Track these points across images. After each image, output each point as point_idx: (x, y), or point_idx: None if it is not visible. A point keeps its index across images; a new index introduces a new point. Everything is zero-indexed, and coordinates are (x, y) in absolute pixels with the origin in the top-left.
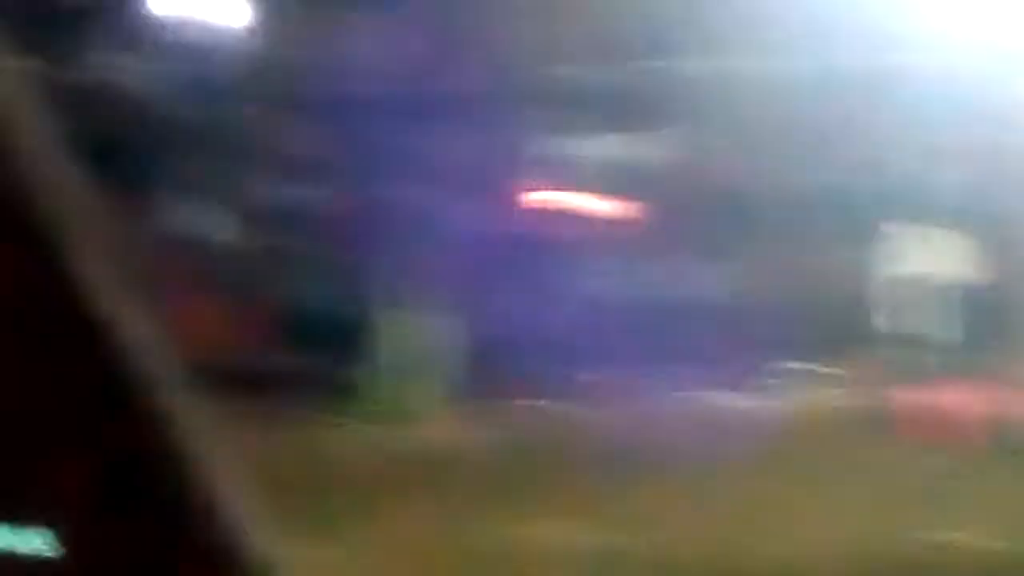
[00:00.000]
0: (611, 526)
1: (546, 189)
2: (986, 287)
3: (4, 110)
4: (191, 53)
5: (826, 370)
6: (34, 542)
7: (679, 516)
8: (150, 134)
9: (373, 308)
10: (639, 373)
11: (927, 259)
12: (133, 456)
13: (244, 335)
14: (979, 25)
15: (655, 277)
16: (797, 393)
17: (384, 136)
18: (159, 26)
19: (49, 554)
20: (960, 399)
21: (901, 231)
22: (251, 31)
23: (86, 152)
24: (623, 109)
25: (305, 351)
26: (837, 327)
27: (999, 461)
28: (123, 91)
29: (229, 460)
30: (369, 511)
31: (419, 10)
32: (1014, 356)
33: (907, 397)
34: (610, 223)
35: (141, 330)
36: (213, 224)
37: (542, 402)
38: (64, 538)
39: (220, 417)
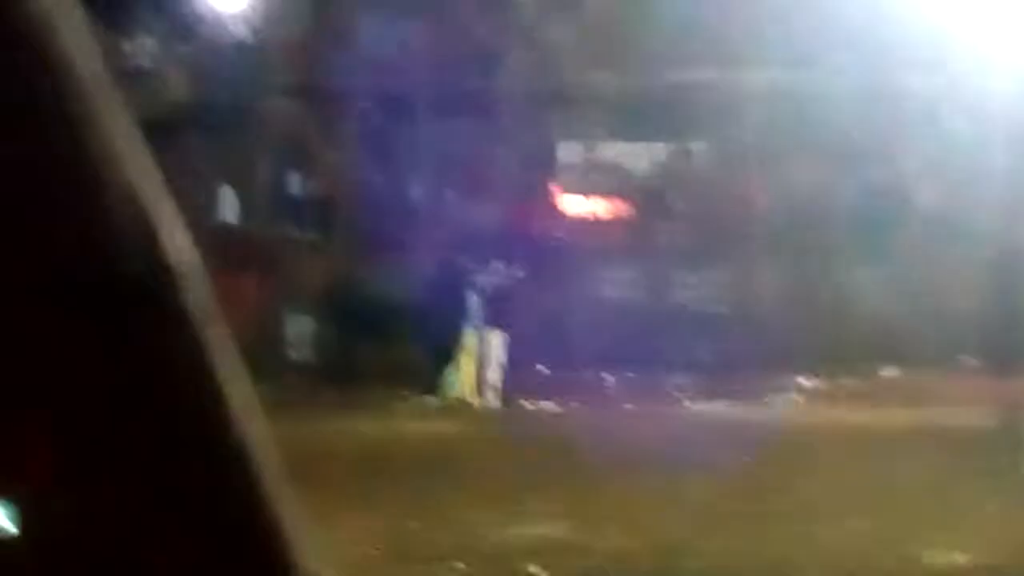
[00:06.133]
0: (588, 523)
1: (565, 193)
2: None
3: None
4: (210, 41)
5: (834, 386)
6: None
7: (666, 519)
8: (173, 119)
9: (400, 301)
10: (647, 379)
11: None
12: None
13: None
14: (1015, 49)
15: (666, 285)
16: (803, 407)
17: (405, 134)
18: (178, 13)
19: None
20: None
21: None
22: (269, 21)
23: None
24: (644, 118)
25: (340, 338)
26: (847, 344)
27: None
28: (148, 75)
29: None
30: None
31: (447, 10)
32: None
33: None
34: (624, 230)
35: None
36: (236, 210)
37: (549, 403)
38: (24, 513)
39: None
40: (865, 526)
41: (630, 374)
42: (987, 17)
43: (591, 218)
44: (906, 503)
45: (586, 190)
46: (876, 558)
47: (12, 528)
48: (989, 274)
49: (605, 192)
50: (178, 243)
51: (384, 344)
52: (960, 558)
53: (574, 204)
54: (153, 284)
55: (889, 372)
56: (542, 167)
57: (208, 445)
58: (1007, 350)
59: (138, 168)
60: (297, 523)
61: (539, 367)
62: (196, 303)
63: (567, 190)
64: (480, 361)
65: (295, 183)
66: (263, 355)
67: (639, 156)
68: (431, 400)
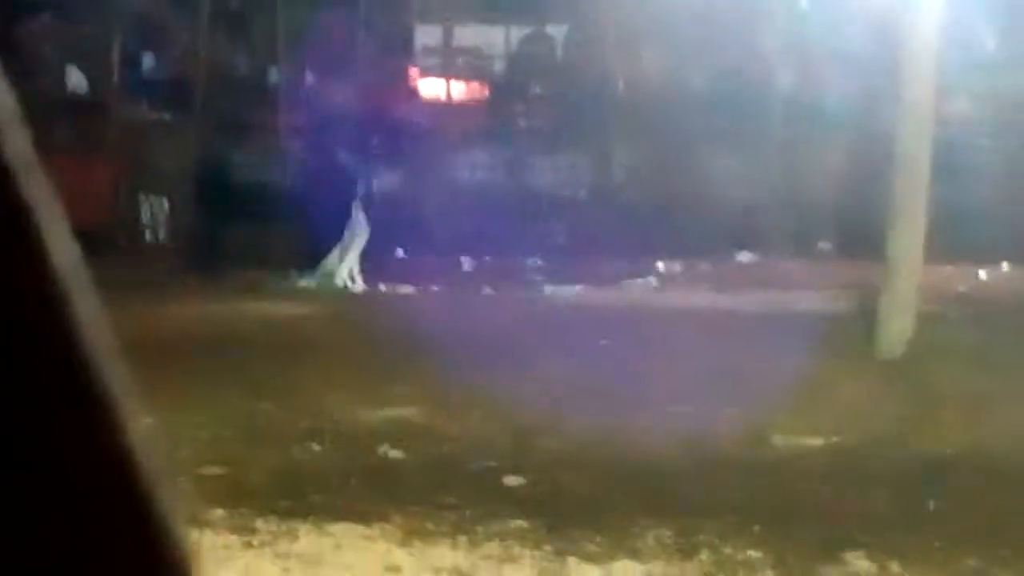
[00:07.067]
0: (445, 406)
1: (423, 77)
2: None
3: None
4: None
5: (691, 270)
6: None
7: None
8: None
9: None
10: (505, 263)
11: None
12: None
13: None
14: None
15: (525, 170)
16: (660, 291)
17: (261, 15)
18: None
19: None
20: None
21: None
22: None
23: None
24: (502, 1)
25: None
26: (704, 229)
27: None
28: None
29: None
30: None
31: None
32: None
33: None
34: (481, 114)
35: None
36: (87, 90)
37: (407, 286)
38: None
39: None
40: (719, 409)
41: (488, 258)
42: None
43: (449, 102)
44: (760, 386)
45: (444, 74)
46: (730, 440)
47: None
48: (847, 160)
49: (463, 76)
50: None
51: (242, 228)
52: (813, 441)
53: (432, 88)
54: None
55: (746, 257)
56: (400, 50)
57: (22, 304)
58: (863, 235)
59: None
60: (136, 415)
61: (397, 251)
62: (13, 153)
63: (425, 74)
64: (341, 247)
65: (149, 63)
66: (117, 236)
67: (497, 39)
68: (288, 284)
